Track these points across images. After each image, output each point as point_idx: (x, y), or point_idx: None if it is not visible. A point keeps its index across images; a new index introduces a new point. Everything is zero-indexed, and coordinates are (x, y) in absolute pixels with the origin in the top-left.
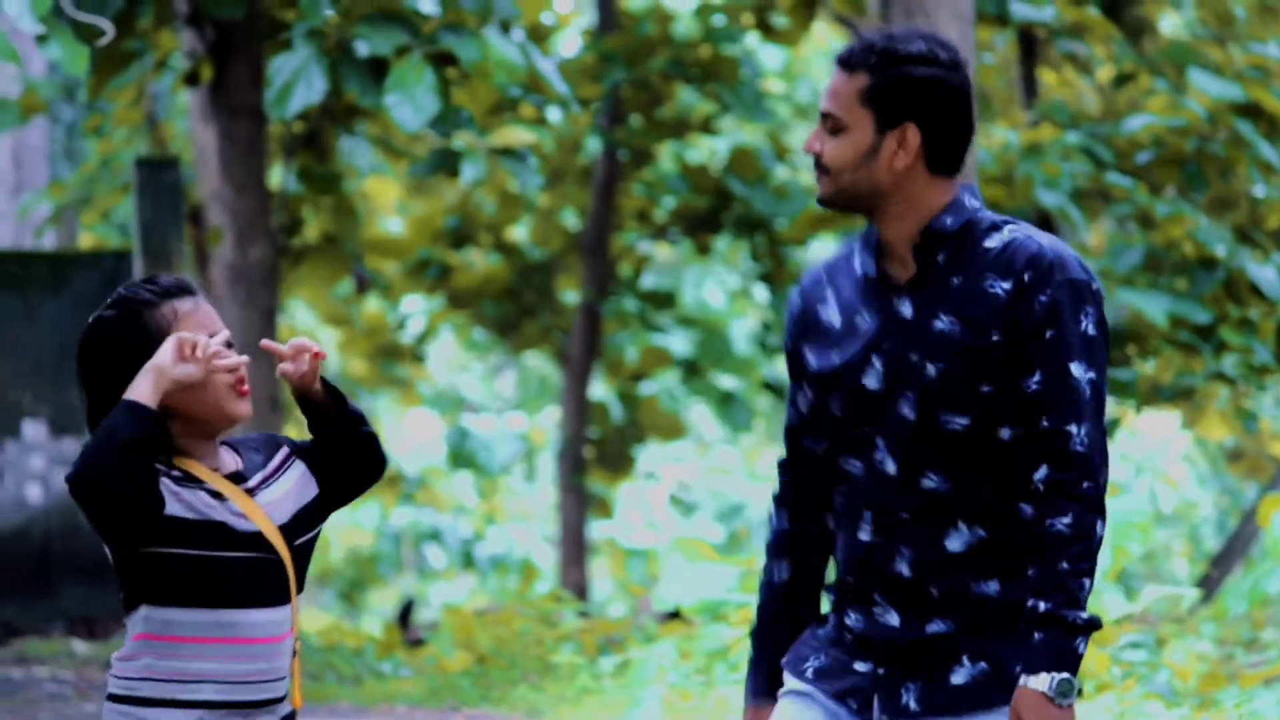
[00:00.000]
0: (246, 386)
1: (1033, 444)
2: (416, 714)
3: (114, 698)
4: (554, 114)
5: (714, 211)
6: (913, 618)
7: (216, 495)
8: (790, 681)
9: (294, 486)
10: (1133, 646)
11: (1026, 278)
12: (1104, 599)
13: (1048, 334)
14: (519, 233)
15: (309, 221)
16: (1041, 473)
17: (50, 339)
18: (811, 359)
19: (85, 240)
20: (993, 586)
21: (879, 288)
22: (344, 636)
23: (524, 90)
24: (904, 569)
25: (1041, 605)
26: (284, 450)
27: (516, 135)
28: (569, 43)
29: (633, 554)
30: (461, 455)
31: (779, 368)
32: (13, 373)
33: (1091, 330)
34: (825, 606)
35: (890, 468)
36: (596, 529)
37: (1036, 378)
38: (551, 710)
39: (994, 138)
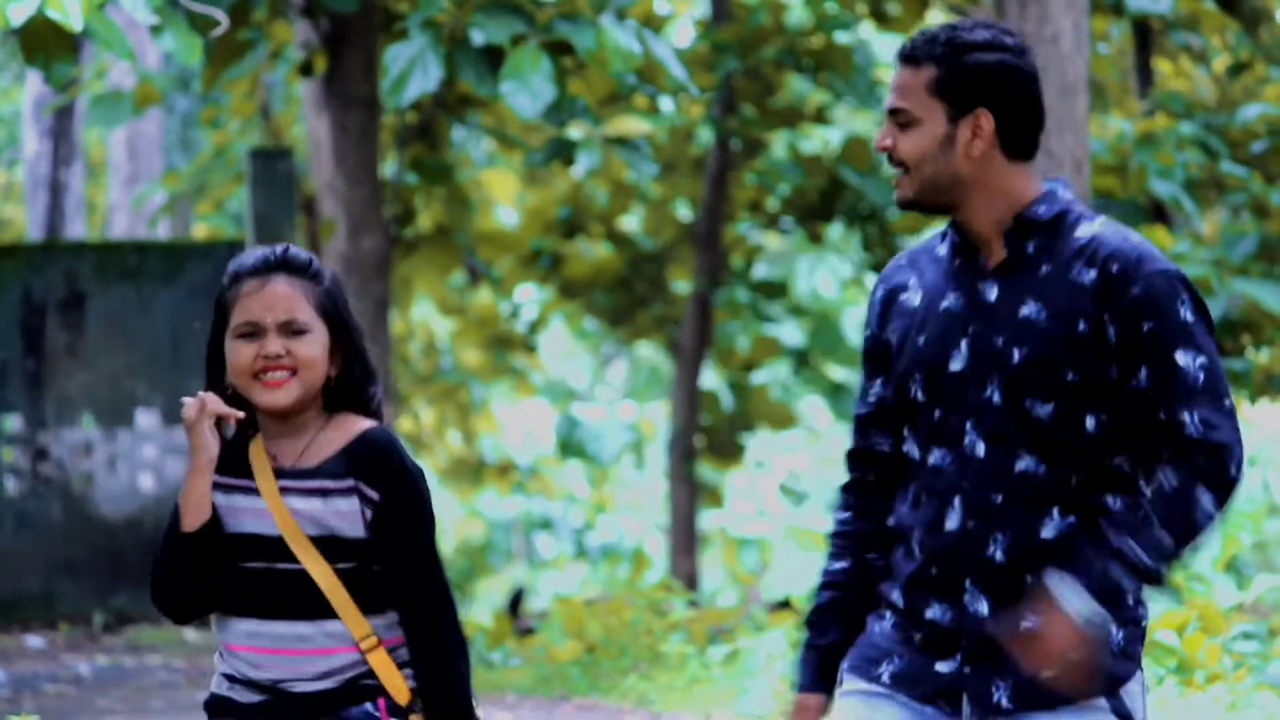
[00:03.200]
0: (274, 378)
1: (1158, 438)
2: (526, 703)
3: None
4: (666, 104)
5: (826, 201)
6: (1005, 607)
7: (253, 492)
8: (858, 683)
9: (343, 512)
10: (1244, 637)
11: (1114, 269)
12: (1215, 589)
13: (1145, 326)
14: (631, 223)
15: (422, 212)
16: (1164, 456)
17: (164, 329)
18: (894, 340)
19: (199, 230)
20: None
21: (965, 271)
22: None
23: (639, 78)
24: (998, 554)
25: (1113, 538)
26: (353, 481)
27: (631, 125)
28: (682, 33)
29: (743, 543)
30: (571, 444)
31: None
32: (126, 362)
33: (1190, 316)
34: (883, 605)
35: (981, 450)
36: (707, 518)
37: (1143, 373)
38: (661, 699)
39: (1108, 128)
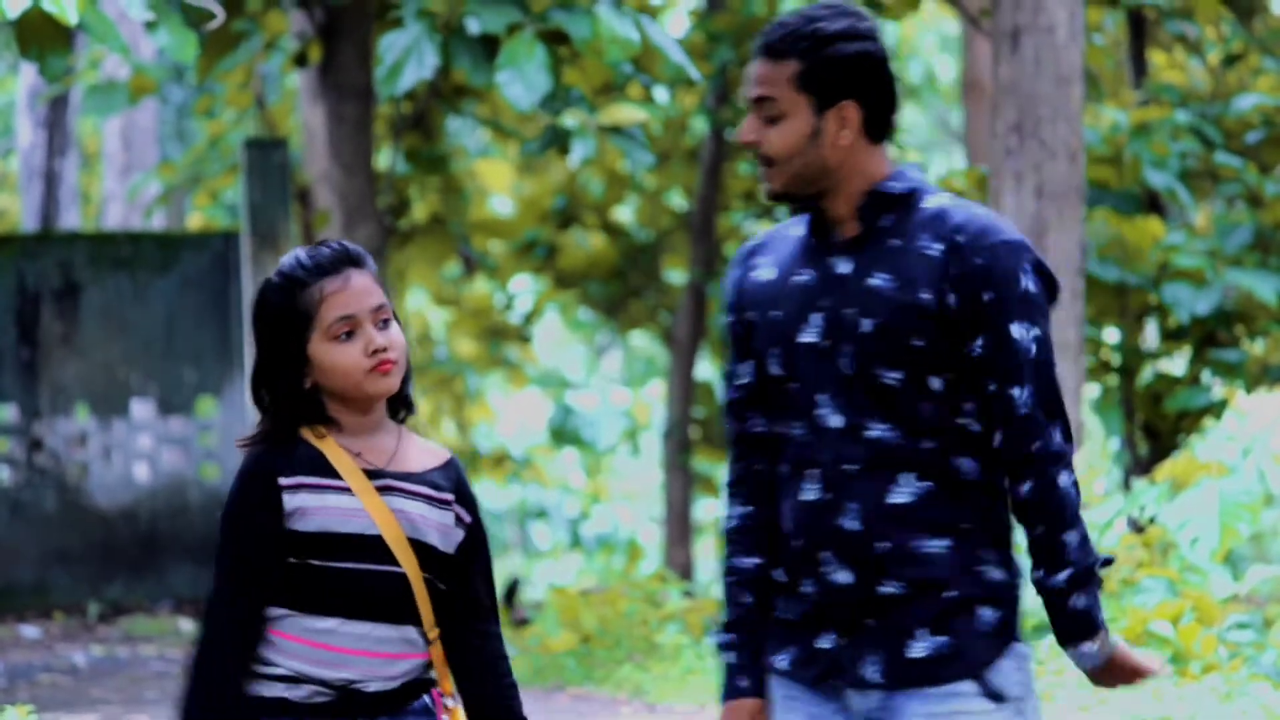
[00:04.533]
0: (389, 364)
1: (985, 407)
2: (521, 694)
3: None
4: (661, 94)
5: None
6: (863, 576)
7: (345, 491)
8: (777, 685)
9: (444, 525)
10: (1239, 627)
11: (960, 239)
12: (1210, 579)
13: (985, 296)
14: (625, 213)
15: (416, 202)
16: (997, 439)
17: (159, 319)
18: (753, 317)
19: (194, 221)
20: (943, 544)
21: (819, 247)
22: None
23: (635, 67)
24: (853, 523)
25: (1044, 578)
26: (453, 499)
27: (626, 114)
28: (677, 23)
29: None
30: (565, 432)
31: None
32: (121, 352)
33: (1031, 287)
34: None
35: (834, 422)
36: (702, 509)
37: (979, 342)
38: (656, 690)
39: (1103, 118)
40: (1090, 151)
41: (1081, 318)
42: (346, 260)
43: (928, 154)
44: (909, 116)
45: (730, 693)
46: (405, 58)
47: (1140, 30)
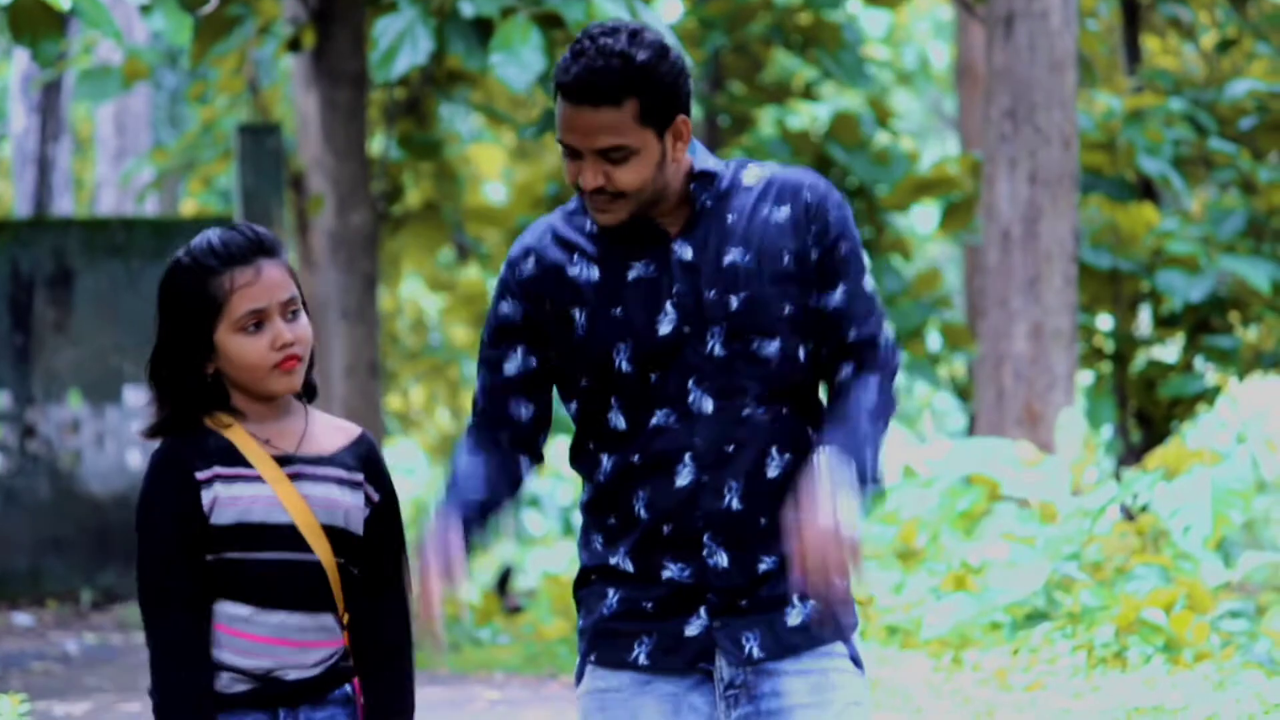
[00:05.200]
0: (293, 362)
1: (841, 353)
2: (514, 681)
3: None
4: None
5: None
6: (743, 555)
7: (257, 480)
8: (610, 678)
9: (352, 507)
10: (1232, 615)
11: (808, 199)
12: (1202, 567)
13: (843, 249)
14: None
15: (410, 188)
16: (846, 371)
17: (152, 306)
18: (580, 317)
19: (187, 206)
20: None
21: (646, 239)
22: (442, 603)
23: None
24: (734, 502)
25: (842, 443)
26: (362, 477)
27: None
28: (670, 8)
29: None
30: (557, 419)
31: None
32: (114, 339)
33: (858, 235)
34: (601, 580)
35: (708, 406)
36: None
37: (839, 291)
38: None
39: (1096, 104)
40: (1084, 137)
41: (1074, 304)
42: (259, 249)
43: (922, 140)
44: (903, 103)
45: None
46: (399, 42)
47: (1134, 16)
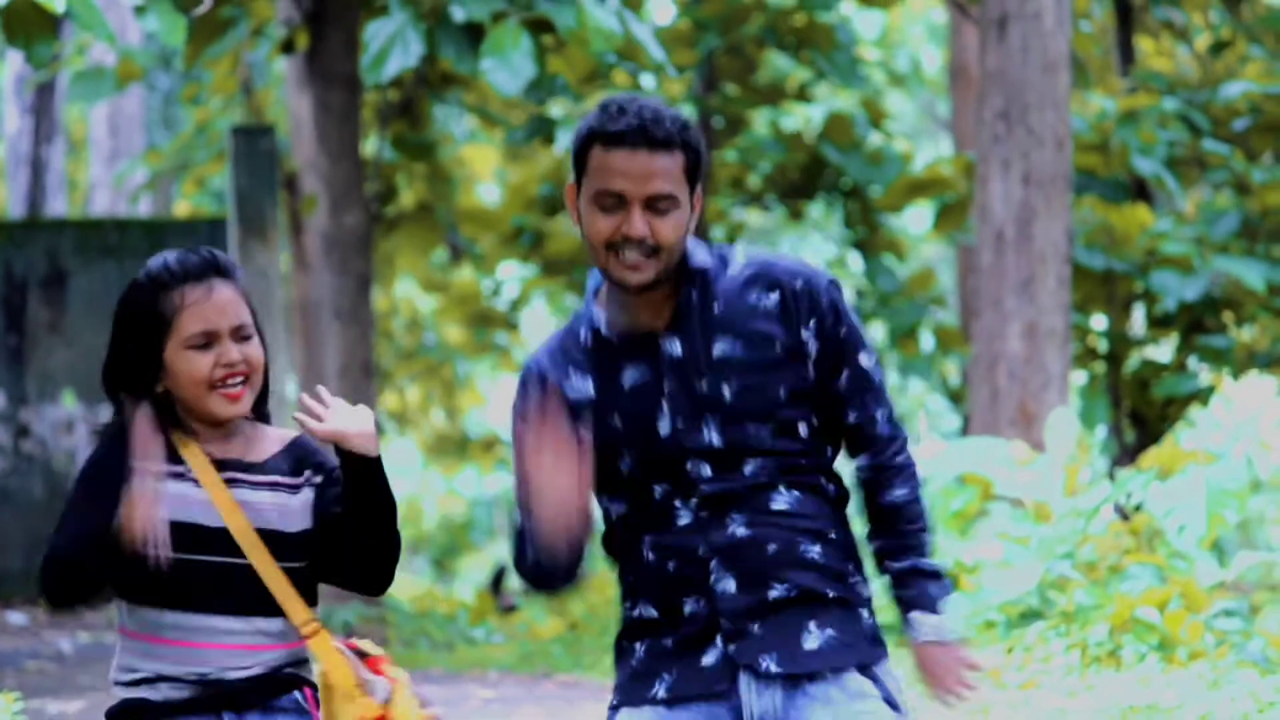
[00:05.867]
0: (233, 389)
1: (845, 435)
2: (508, 680)
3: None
4: (648, 81)
5: (808, 178)
6: (751, 581)
7: (194, 483)
8: (634, 713)
9: (293, 508)
10: (1226, 614)
11: (798, 285)
12: (1196, 566)
13: (841, 332)
14: None
15: (403, 189)
16: (862, 460)
17: None
18: (582, 431)
19: (180, 208)
20: (817, 549)
21: (634, 344)
22: (436, 603)
23: (619, 57)
24: (739, 530)
25: (909, 562)
26: (305, 474)
27: None
28: (663, 9)
29: None
30: None
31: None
32: (108, 339)
33: (858, 320)
34: (631, 638)
35: (707, 470)
36: None
37: (844, 376)
38: None
39: (1090, 105)
40: (1077, 139)
41: (1068, 305)
42: (213, 270)
43: (915, 142)
44: (896, 104)
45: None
46: (390, 45)
47: (1128, 17)
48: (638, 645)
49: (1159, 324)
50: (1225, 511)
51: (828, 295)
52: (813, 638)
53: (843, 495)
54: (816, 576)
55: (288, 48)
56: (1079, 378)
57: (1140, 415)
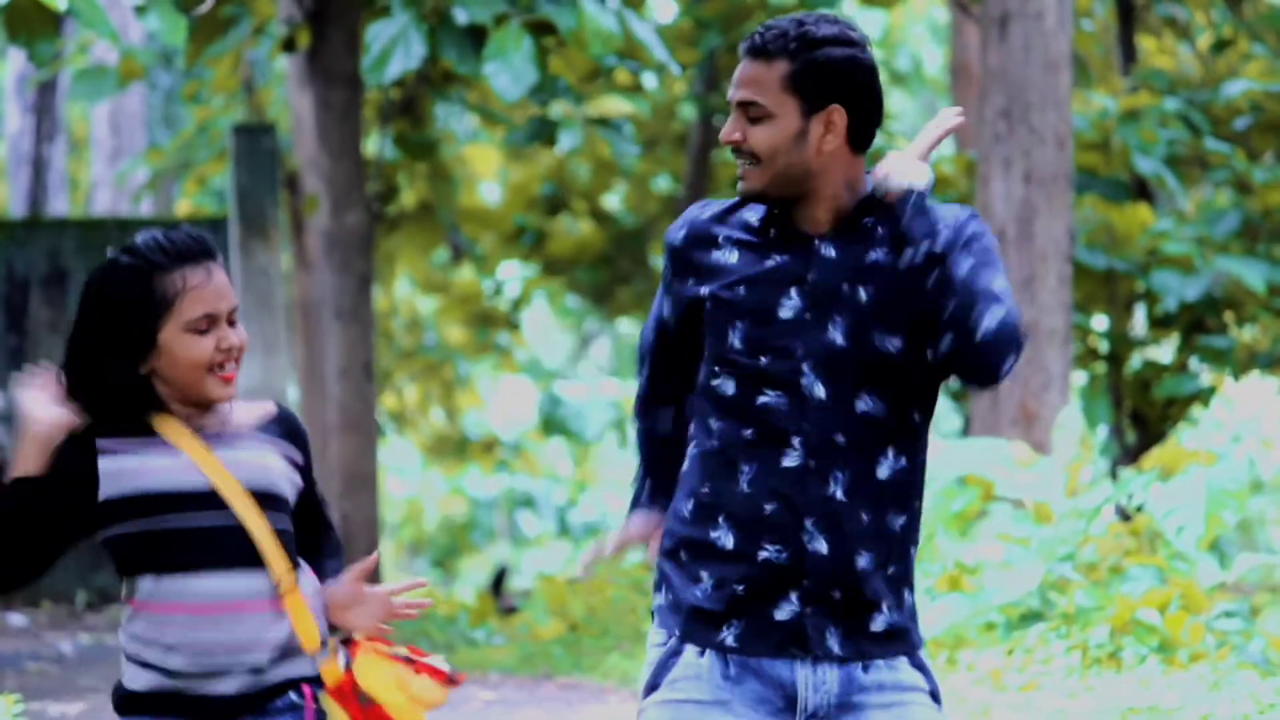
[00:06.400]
0: (229, 372)
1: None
2: (509, 682)
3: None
4: (649, 80)
5: None
6: (842, 546)
7: (172, 450)
8: (695, 662)
9: (277, 470)
10: (1226, 615)
11: (949, 216)
12: (1197, 568)
13: (965, 234)
14: (614, 199)
15: (405, 189)
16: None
17: None
18: (705, 292)
19: (182, 207)
20: (901, 520)
21: (793, 235)
22: (437, 604)
23: (620, 58)
24: (839, 493)
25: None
26: (286, 445)
27: (613, 104)
28: (665, 8)
29: None
30: (554, 422)
31: None
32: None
33: (989, 240)
34: (693, 558)
35: (820, 392)
36: None
37: (956, 265)
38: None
39: (1091, 104)
40: (1079, 138)
41: (1069, 304)
42: (207, 253)
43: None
44: (897, 103)
45: (638, 505)
46: (392, 47)
47: (1129, 16)
48: (704, 573)
49: (1160, 324)
50: (1226, 513)
51: (963, 222)
52: (881, 619)
53: (924, 465)
54: (894, 548)
55: (289, 46)
56: (1080, 378)
57: (1141, 416)
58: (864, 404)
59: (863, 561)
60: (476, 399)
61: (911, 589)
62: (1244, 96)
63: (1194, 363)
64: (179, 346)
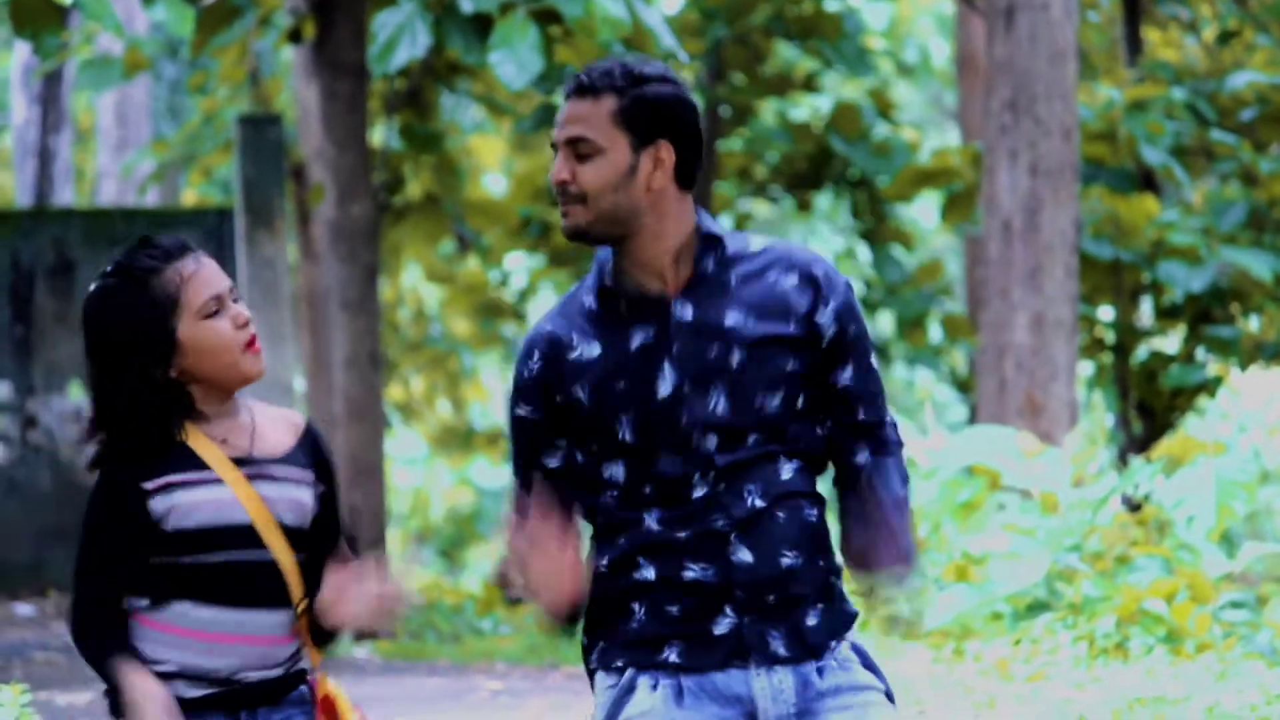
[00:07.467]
0: (258, 345)
1: (850, 430)
2: (515, 671)
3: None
4: None
5: (815, 168)
6: (766, 551)
7: (218, 482)
8: (645, 679)
9: (304, 504)
10: (1234, 606)
11: (818, 274)
12: (1204, 558)
13: (852, 330)
14: None
15: (411, 179)
16: (864, 456)
17: None
18: (584, 397)
19: (188, 198)
20: (814, 514)
21: (643, 306)
22: (444, 594)
23: (627, 46)
24: (754, 500)
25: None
26: (313, 474)
27: None
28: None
29: None
30: None
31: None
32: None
33: (865, 325)
34: (626, 600)
35: (712, 443)
36: None
37: (849, 372)
38: None
39: (1097, 95)
40: (1085, 129)
41: (1075, 295)
42: (187, 246)
43: (922, 132)
44: (904, 95)
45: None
46: (398, 36)
47: (1135, 7)
48: (635, 606)
49: (1166, 315)
50: (1233, 503)
51: (844, 293)
52: (813, 613)
53: (822, 464)
54: (816, 543)
55: (295, 37)
56: (1086, 368)
57: (1148, 406)
58: (755, 436)
59: (787, 560)
60: (483, 390)
61: (839, 575)
62: (1250, 88)
63: (1200, 353)
64: (201, 335)
